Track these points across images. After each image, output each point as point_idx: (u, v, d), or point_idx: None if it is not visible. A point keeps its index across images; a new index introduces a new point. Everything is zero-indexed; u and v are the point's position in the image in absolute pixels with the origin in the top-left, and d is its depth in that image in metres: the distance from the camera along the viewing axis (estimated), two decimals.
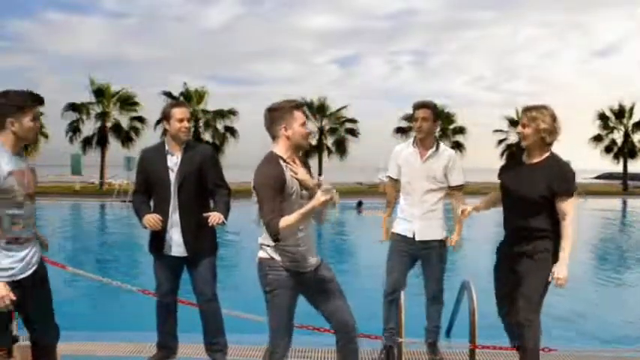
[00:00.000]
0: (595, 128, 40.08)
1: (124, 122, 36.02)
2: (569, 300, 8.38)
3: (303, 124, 3.04)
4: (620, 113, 39.52)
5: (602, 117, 39.75)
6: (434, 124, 4.09)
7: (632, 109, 39.29)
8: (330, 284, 3.16)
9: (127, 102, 35.83)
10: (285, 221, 2.87)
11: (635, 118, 39.35)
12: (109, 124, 35.40)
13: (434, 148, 4.10)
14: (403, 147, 4.26)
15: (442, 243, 4.09)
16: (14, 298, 2.80)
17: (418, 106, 4.10)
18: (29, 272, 2.96)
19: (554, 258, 3.36)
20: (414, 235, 4.07)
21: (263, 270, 3.04)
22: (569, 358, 4.60)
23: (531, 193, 3.34)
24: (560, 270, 3.27)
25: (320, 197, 2.78)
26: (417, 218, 4.06)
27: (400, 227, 4.14)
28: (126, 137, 35.66)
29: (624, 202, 31.39)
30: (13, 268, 2.89)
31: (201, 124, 35.75)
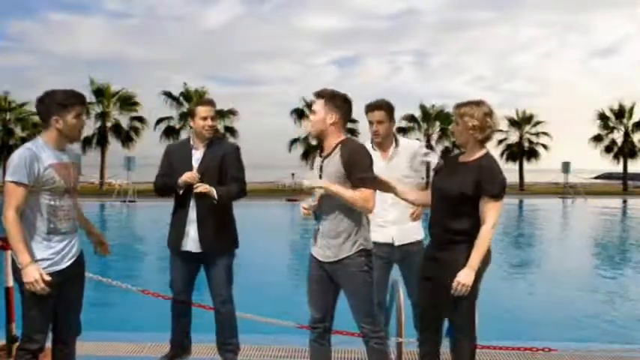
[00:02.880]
0: (595, 128, 40.08)
1: (124, 122, 36.08)
2: (569, 300, 8.40)
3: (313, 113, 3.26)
4: (620, 113, 39.47)
5: (602, 117, 39.71)
6: (390, 125, 3.92)
7: (632, 109, 39.23)
8: (342, 283, 3.21)
9: (127, 102, 35.84)
10: None
11: (635, 118, 39.31)
12: (108, 124, 35.40)
13: (393, 146, 3.96)
14: None
15: (422, 243, 3.92)
16: (48, 279, 2.84)
17: (371, 107, 3.89)
18: (67, 264, 3.03)
19: (481, 267, 3.17)
20: (392, 241, 3.91)
21: None
22: (569, 358, 4.60)
23: (455, 190, 3.13)
24: (464, 275, 3.04)
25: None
26: (392, 222, 3.89)
27: (375, 235, 3.79)
28: (126, 137, 35.66)
29: (624, 202, 31.38)
30: (50, 259, 2.96)
31: None
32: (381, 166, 3.85)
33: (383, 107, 3.88)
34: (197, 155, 3.94)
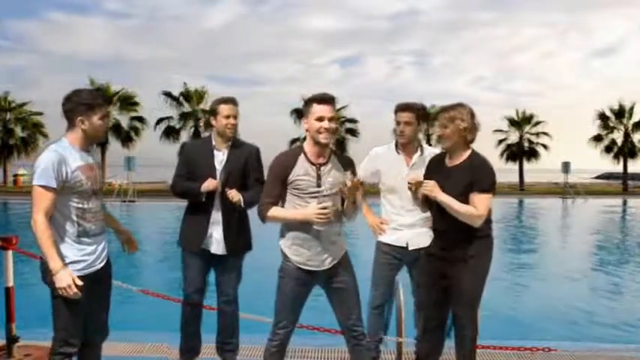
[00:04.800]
0: (595, 128, 40.13)
1: (124, 122, 36.11)
2: (570, 300, 8.40)
3: (319, 119, 3.07)
4: (620, 113, 39.48)
5: (602, 117, 39.74)
6: (417, 129, 3.86)
7: (632, 109, 39.25)
8: (341, 286, 3.19)
9: (127, 102, 35.88)
10: (273, 212, 3.10)
11: (635, 118, 39.32)
12: (108, 124, 35.39)
13: (418, 153, 3.89)
14: (384, 151, 4.01)
15: None
16: (81, 283, 2.80)
17: (401, 108, 3.85)
18: (99, 266, 3.02)
19: (487, 257, 3.33)
20: (407, 245, 3.88)
21: (281, 257, 3.22)
22: (569, 358, 4.60)
23: (461, 192, 3.22)
24: (436, 189, 3.24)
25: (312, 215, 3.00)
26: (407, 227, 3.87)
27: (389, 237, 3.91)
28: (126, 137, 35.70)
29: (624, 202, 31.37)
30: (84, 261, 2.95)
31: (201, 123, 35.78)
32: (404, 172, 3.84)
33: (412, 109, 3.84)
34: (220, 156, 3.88)
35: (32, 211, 2.80)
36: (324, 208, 3.00)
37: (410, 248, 3.89)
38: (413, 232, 3.86)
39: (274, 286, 3.24)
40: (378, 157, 4.02)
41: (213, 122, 3.91)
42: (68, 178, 2.85)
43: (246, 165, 3.89)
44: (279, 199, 3.14)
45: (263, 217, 3.13)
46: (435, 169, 3.45)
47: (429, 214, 3.83)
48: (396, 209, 3.89)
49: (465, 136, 3.26)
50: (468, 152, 3.32)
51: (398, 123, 3.85)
